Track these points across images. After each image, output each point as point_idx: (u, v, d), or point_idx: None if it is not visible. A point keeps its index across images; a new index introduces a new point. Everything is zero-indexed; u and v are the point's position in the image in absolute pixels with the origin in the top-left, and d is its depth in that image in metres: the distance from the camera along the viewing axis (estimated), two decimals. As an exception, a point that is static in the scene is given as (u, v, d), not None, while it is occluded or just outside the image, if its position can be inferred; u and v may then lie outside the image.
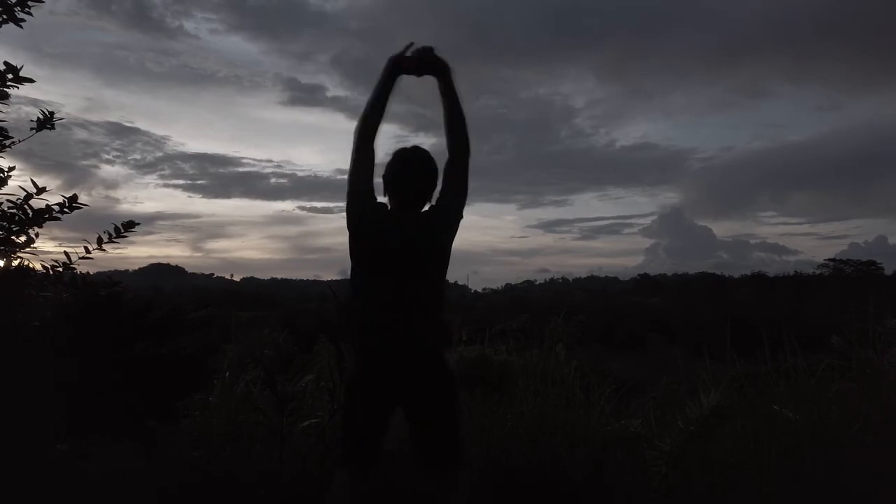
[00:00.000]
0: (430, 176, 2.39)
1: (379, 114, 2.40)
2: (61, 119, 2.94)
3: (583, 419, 3.52)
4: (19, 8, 2.78)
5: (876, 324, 3.74)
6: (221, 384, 3.91)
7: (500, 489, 3.08)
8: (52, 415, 2.66)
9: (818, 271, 60.85)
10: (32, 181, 2.84)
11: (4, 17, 2.77)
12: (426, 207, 2.40)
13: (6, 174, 2.92)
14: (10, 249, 2.83)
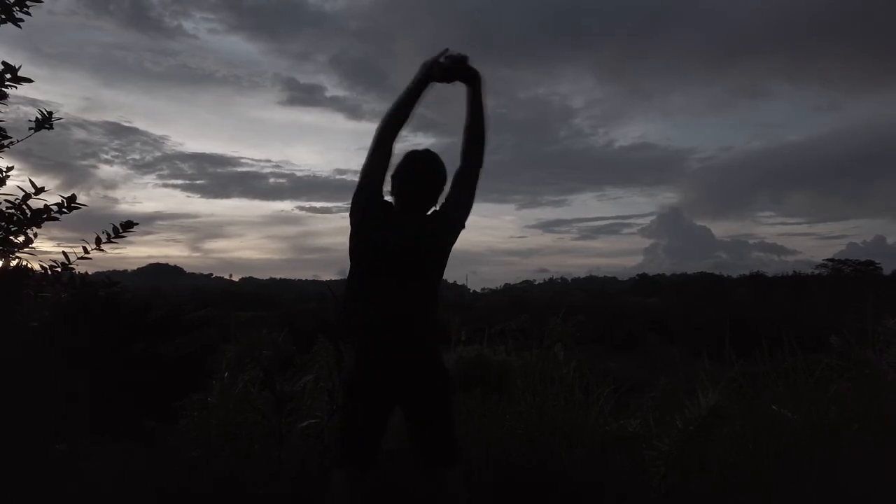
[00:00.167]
0: (437, 179, 2.40)
1: (404, 118, 2.42)
2: (60, 119, 2.94)
3: (581, 419, 3.53)
4: (17, 8, 2.78)
5: (874, 324, 3.74)
6: (220, 384, 3.90)
7: (499, 489, 3.08)
8: (51, 415, 2.66)
9: (817, 271, 60.94)
10: (31, 181, 2.84)
11: (3, 16, 2.76)
12: (431, 210, 2.41)
13: (4, 174, 2.92)
14: (8, 250, 2.83)
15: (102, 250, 2.95)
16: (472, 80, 2.42)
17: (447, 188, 2.42)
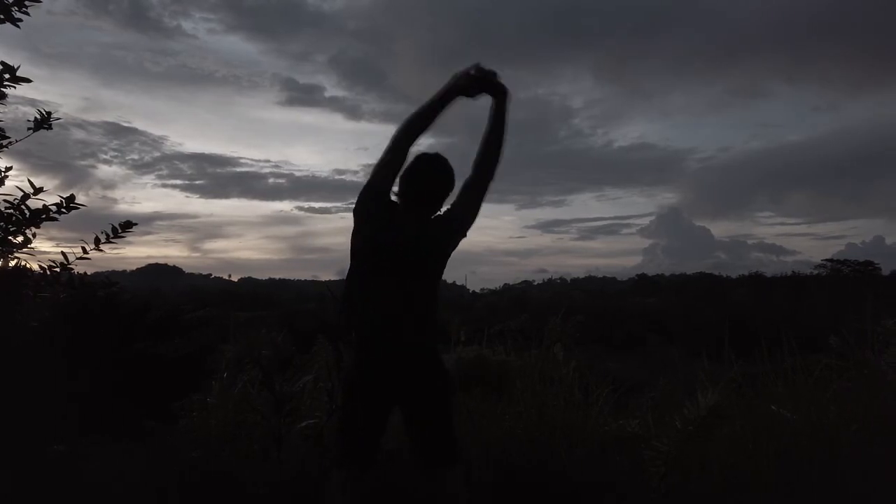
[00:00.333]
0: (445, 182, 2.41)
1: (425, 125, 2.43)
2: (59, 119, 2.94)
3: (581, 419, 3.53)
4: (16, 8, 2.77)
5: (873, 324, 3.75)
6: (219, 384, 3.90)
7: (499, 489, 3.08)
8: (51, 415, 2.66)
9: (816, 272, 60.94)
10: (30, 181, 2.84)
11: (1, 16, 2.76)
12: (435, 214, 2.42)
13: (3, 174, 2.92)
14: (7, 250, 2.83)
15: (101, 250, 2.95)
16: (500, 95, 2.45)
17: (454, 193, 2.43)
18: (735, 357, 3.83)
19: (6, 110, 2.86)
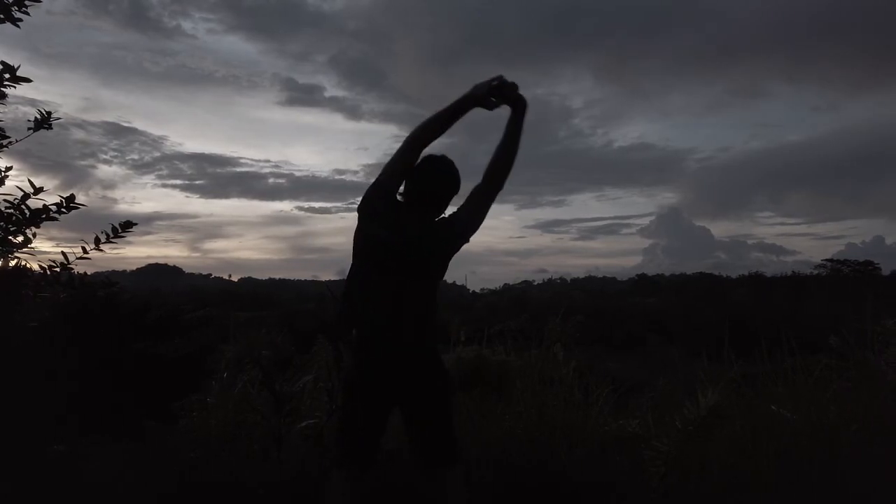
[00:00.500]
0: (450, 184, 2.42)
1: (439, 131, 2.42)
2: (58, 119, 2.94)
3: (581, 419, 3.53)
4: (16, 8, 2.77)
5: (873, 324, 3.75)
6: (219, 385, 3.90)
7: (499, 489, 3.08)
8: (51, 415, 2.66)
9: (816, 271, 60.90)
10: (30, 181, 2.84)
11: (1, 16, 2.76)
12: (440, 217, 2.42)
13: (3, 174, 2.92)
14: (7, 250, 2.83)
15: (101, 250, 2.95)
16: (519, 107, 2.45)
17: (461, 198, 2.44)
18: (735, 357, 3.83)
19: (6, 110, 2.87)
